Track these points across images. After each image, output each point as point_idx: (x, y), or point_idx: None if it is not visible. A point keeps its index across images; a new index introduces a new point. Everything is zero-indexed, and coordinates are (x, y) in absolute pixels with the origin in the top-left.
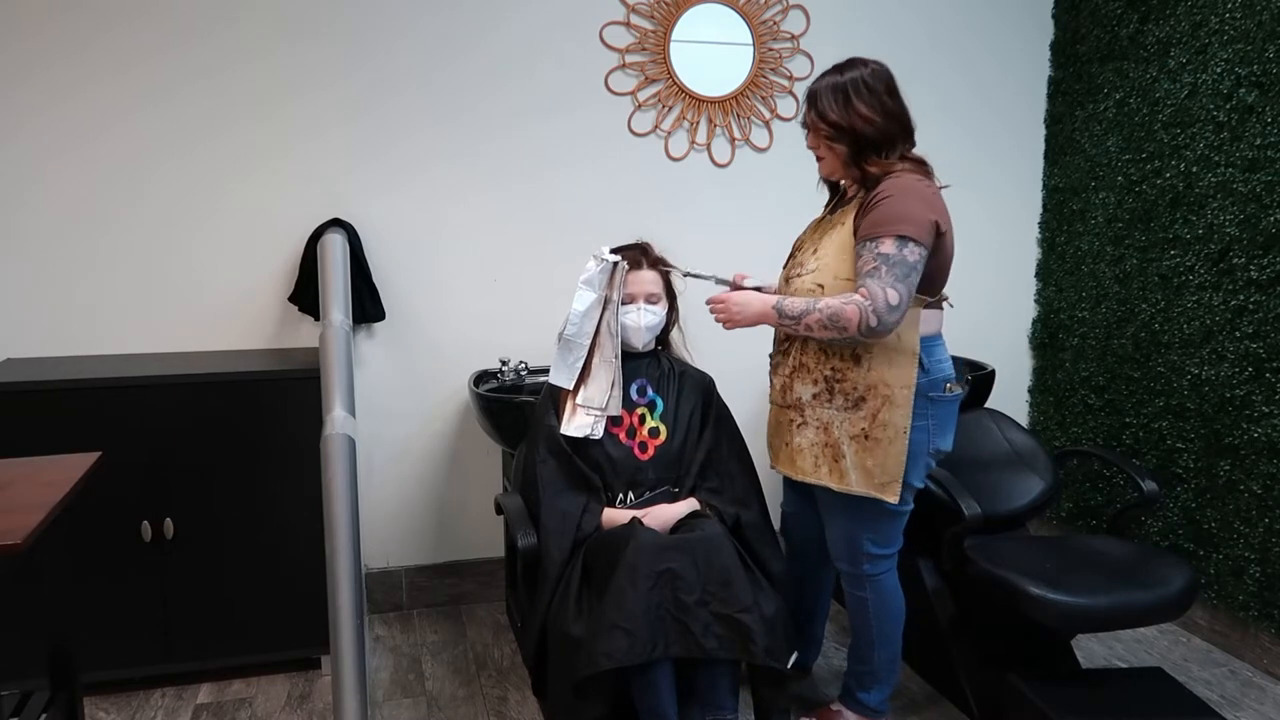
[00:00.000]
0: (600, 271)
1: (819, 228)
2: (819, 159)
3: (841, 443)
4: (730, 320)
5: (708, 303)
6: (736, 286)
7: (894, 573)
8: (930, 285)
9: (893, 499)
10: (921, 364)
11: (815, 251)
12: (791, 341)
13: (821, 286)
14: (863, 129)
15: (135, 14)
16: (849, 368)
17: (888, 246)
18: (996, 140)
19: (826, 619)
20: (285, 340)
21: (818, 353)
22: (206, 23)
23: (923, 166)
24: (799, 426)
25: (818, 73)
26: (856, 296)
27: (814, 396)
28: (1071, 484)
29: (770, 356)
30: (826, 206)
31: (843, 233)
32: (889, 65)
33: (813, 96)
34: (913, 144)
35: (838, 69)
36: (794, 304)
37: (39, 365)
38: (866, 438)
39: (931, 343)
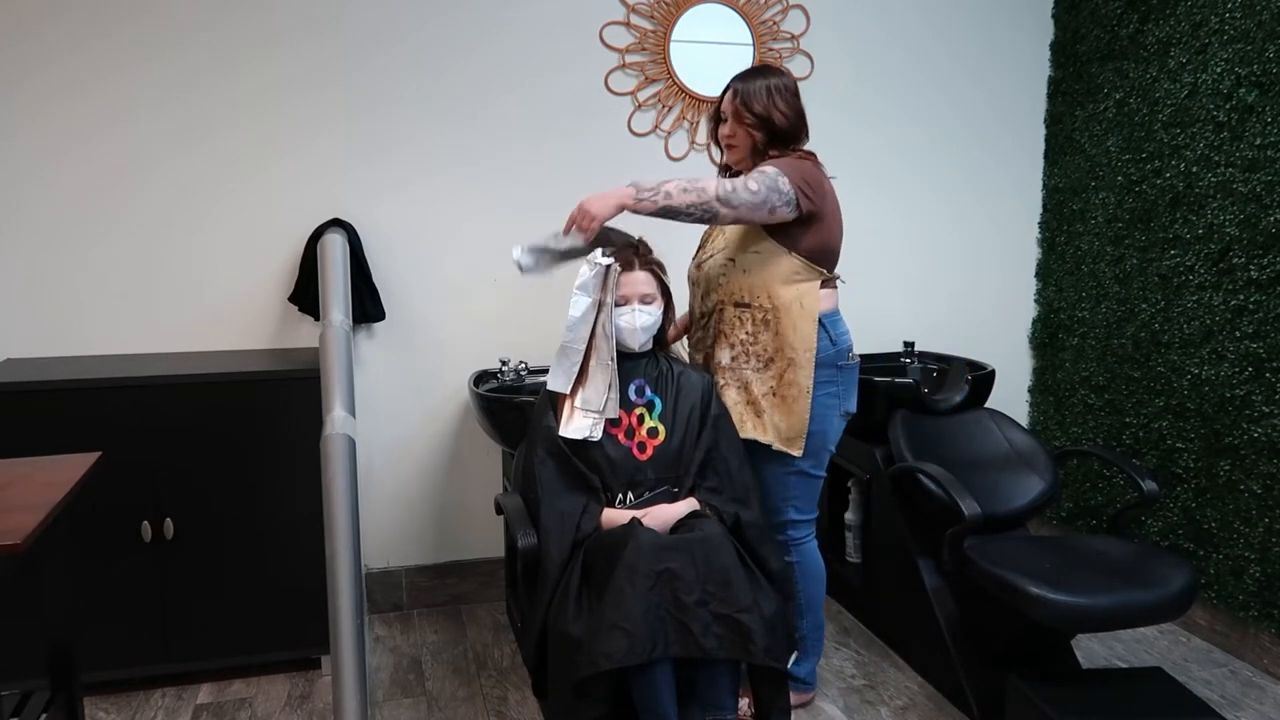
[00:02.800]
0: (594, 275)
1: None
2: (729, 147)
3: (760, 399)
4: (590, 215)
5: (567, 224)
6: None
7: (814, 540)
8: (823, 263)
9: (797, 453)
10: (830, 338)
11: (725, 232)
12: (710, 315)
13: (733, 260)
14: (779, 121)
15: (136, 13)
16: (760, 332)
17: (768, 168)
18: (996, 140)
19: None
20: (285, 340)
21: (733, 320)
22: (207, 21)
23: (814, 156)
24: (724, 388)
25: (815, 71)
26: (720, 178)
27: (732, 359)
28: (1071, 484)
29: (689, 341)
30: None
31: None
32: (888, 66)
33: (738, 91)
34: (806, 144)
35: (759, 73)
36: (649, 178)
37: (39, 365)
38: (775, 394)
39: (833, 317)
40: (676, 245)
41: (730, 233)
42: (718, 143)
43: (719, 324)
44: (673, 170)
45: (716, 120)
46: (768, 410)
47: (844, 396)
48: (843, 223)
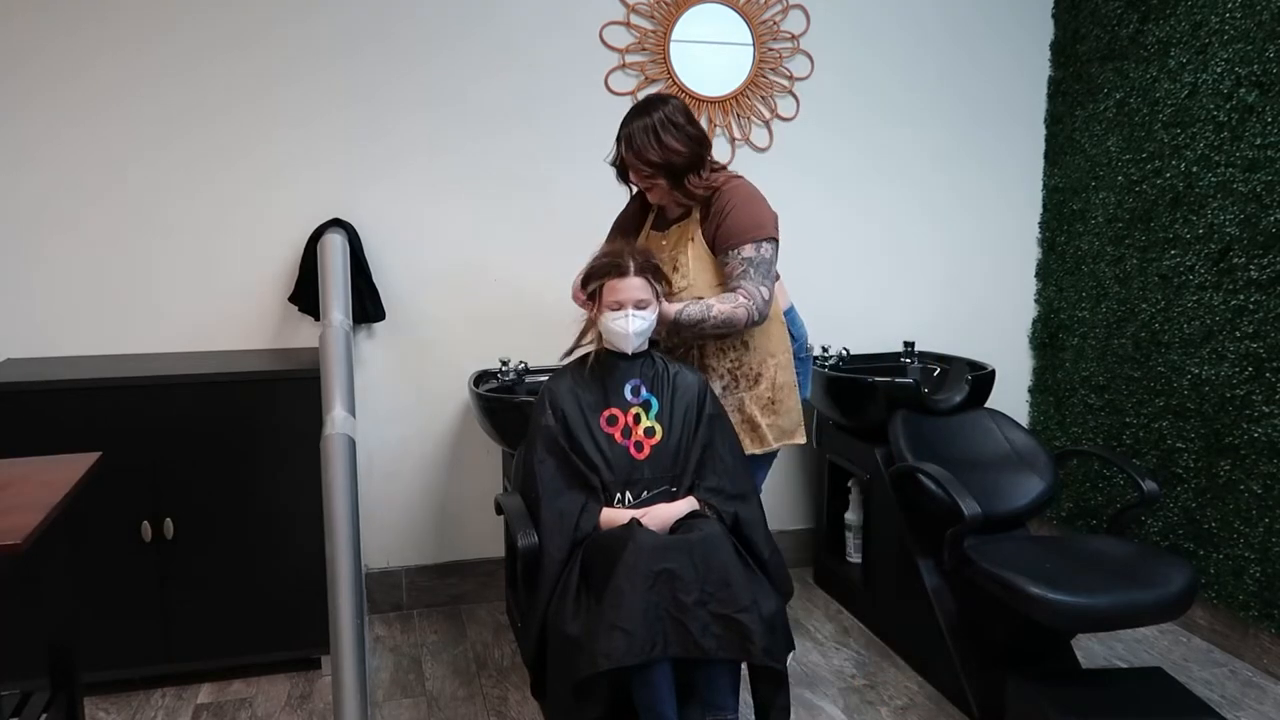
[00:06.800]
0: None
1: (664, 241)
2: (648, 190)
3: (755, 416)
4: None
5: None
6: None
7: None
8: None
9: (803, 440)
10: (791, 333)
11: (676, 269)
12: (688, 350)
13: (701, 299)
14: (676, 160)
15: (135, 11)
16: (743, 354)
17: (749, 251)
18: (997, 140)
19: None
20: (285, 340)
21: (716, 353)
22: (206, 15)
23: (724, 168)
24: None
25: (815, 71)
26: (740, 299)
27: (724, 389)
28: (1071, 484)
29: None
30: (649, 225)
31: (696, 247)
32: (888, 65)
33: (628, 140)
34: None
35: (643, 110)
36: (691, 313)
37: (39, 365)
38: (773, 402)
39: (790, 314)
40: None
41: (684, 270)
42: (626, 183)
43: (702, 358)
44: None
45: (623, 169)
46: (764, 424)
47: (801, 386)
48: None
